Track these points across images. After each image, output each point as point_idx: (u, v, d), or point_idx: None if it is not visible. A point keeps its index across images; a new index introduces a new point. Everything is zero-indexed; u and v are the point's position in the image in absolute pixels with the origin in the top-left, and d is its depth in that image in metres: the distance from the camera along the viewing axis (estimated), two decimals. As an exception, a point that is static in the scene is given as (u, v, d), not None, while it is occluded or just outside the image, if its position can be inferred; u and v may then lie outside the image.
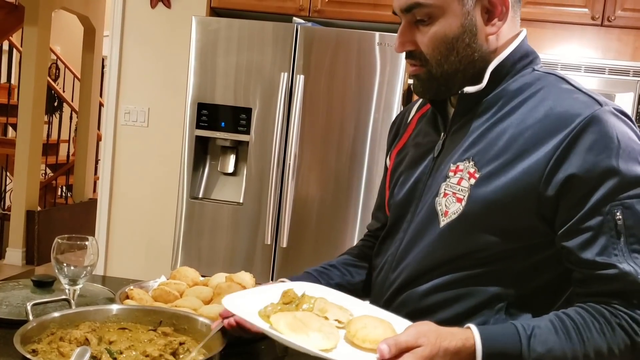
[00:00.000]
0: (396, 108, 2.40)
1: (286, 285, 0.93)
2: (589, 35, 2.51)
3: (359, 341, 0.79)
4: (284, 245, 2.45)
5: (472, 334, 0.77)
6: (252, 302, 0.86)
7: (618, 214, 0.79)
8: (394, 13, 0.93)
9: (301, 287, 0.92)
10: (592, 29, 2.51)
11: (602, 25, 2.50)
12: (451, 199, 0.88)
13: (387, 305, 0.96)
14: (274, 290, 0.91)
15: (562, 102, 0.85)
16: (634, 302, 0.79)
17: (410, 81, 2.66)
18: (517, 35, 0.93)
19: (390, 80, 2.38)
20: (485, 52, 0.90)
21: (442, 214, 0.89)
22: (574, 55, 2.49)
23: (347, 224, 2.44)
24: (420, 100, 1.08)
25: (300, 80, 2.39)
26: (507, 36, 0.91)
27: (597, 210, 0.80)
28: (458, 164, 0.89)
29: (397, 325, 0.83)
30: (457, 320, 0.84)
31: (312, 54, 2.41)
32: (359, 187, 2.43)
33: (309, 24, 2.49)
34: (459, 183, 0.88)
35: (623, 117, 0.84)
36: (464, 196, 0.87)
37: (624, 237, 0.79)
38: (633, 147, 0.81)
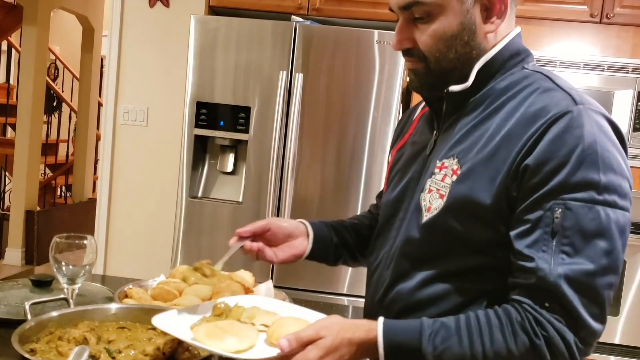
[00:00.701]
0: (395, 106, 2.39)
1: (217, 300, 0.96)
2: (588, 33, 2.51)
3: (274, 340, 0.82)
4: (284, 244, 2.44)
5: (375, 326, 0.79)
6: (185, 319, 0.88)
7: (558, 212, 0.78)
8: (391, 10, 0.92)
9: (234, 300, 0.95)
10: (591, 27, 2.50)
11: (600, 22, 2.50)
12: (435, 195, 0.89)
13: (380, 302, 0.97)
14: (206, 306, 0.94)
15: (541, 100, 0.84)
16: (545, 305, 0.77)
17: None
18: (509, 34, 0.92)
19: (389, 78, 2.38)
20: (484, 50, 0.90)
21: (425, 210, 0.90)
22: (573, 52, 2.48)
23: (346, 222, 2.43)
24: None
25: (299, 78, 2.38)
26: (503, 34, 0.91)
27: (539, 204, 0.79)
28: (444, 161, 0.90)
29: None
30: (448, 316, 0.84)
31: (311, 53, 2.40)
32: (359, 185, 2.43)
33: (308, 23, 2.48)
34: (443, 180, 0.89)
35: (601, 120, 0.82)
36: (446, 192, 0.87)
37: (558, 237, 0.78)
38: (596, 150, 0.79)
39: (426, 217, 0.90)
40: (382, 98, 2.39)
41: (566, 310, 0.77)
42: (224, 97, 2.46)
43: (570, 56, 2.45)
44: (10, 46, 5.51)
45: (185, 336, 0.82)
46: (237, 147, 2.55)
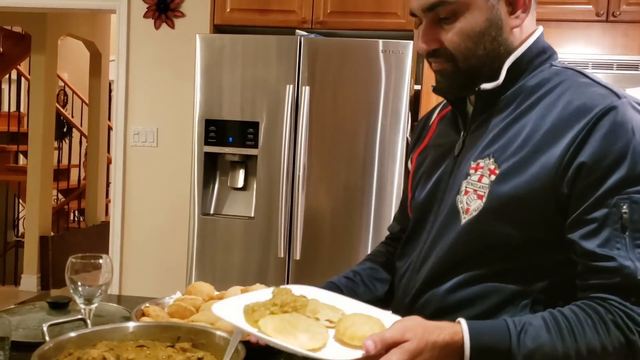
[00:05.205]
0: (403, 114, 2.39)
1: (276, 288, 0.91)
2: (595, 32, 2.49)
3: (347, 339, 0.78)
4: (297, 257, 2.43)
5: (460, 329, 0.76)
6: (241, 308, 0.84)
7: (625, 207, 0.77)
8: (412, 14, 0.92)
9: (292, 289, 0.90)
10: (598, 26, 2.49)
11: (607, 21, 2.48)
12: (472, 196, 0.88)
13: (410, 305, 0.95)
14: (265, 294, 0.89)
15: (580, 96, 0.84)
16: (632, 299, 0.77)
17: (417, 87, 2.65)
18: (534, 32, 0.93)
19: (396, 86, 2.37)
20: (511, 46, 0.90)
21: (463, 212, 0.89)
22: (580, 52, 2.47)
23: (360, 233, 2.42)
24: (441, 104, 1.09)
25: (305, 91, 2.39)
26: (528, 30, 0.91)
27: (603, 201, 0.79)
28: (479, 161, 0.89)
29: (388, 322, 0.81)
30: (482, 319, 0.82)
31: (317, 65, 2.41)
32: (370, 196, 2.41)
33: (312, 36, 2.49)
34: (479, 180, 0.88)
35: None
36: (485, 193, 0.86)
37: (629, 231, 0.77)
38: None
39: (465, 218, 0.88)
40: (390, 107, 2.39)
41: None
42: (232, 114, 2.47)
43: (579, 56, 2.44)
44: (19, 75, 5.59)
45: (251, 329, 0.78)
46: (247, 162, 2.55)
